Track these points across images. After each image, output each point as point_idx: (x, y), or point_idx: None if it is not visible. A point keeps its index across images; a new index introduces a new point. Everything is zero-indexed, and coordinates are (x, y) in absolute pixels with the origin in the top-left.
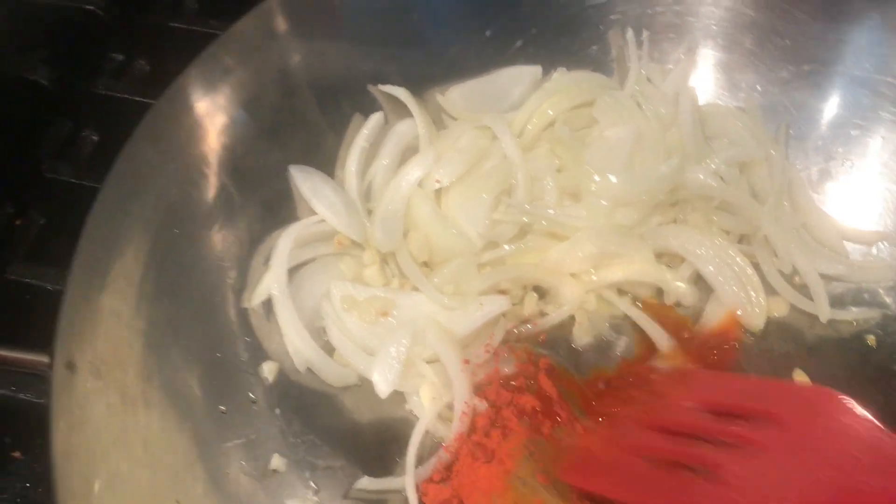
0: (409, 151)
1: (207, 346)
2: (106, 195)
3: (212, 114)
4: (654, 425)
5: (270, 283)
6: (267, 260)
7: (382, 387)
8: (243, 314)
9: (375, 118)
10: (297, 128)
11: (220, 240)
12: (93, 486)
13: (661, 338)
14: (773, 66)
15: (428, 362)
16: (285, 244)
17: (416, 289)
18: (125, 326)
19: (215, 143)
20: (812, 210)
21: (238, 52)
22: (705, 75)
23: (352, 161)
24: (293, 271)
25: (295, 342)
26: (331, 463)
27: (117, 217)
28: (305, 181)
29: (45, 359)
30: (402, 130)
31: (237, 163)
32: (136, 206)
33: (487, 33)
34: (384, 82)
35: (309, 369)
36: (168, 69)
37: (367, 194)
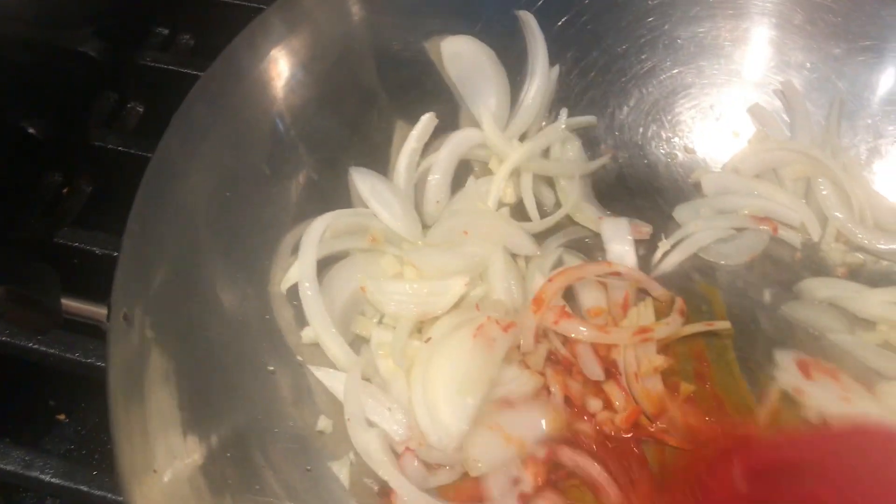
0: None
1: (256, 308)
2: (162, 154)
3: (266, 78)
4: None
5: (298, 272)
6: (295, 248)
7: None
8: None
9: (427, 119)
10: (353, 94)
11: (273, 205)
12: (150, 438)
13: None
14: (824, 43)
15: None
16: (315, 233)
17: None
18: (179, 283)
19: (270, 108)
20: (866, 191)
21: (292, 16)
22: (755, 53)
23: (402, 163)
24: (326, 263)
25: (322, 337)
26: None
27: (172, 177)
28: (364, 182)
29: (103, 310)
30: (458, 140)
31: (292, 128)
32: (189, 168)
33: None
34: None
35: None
36: (212, 43)
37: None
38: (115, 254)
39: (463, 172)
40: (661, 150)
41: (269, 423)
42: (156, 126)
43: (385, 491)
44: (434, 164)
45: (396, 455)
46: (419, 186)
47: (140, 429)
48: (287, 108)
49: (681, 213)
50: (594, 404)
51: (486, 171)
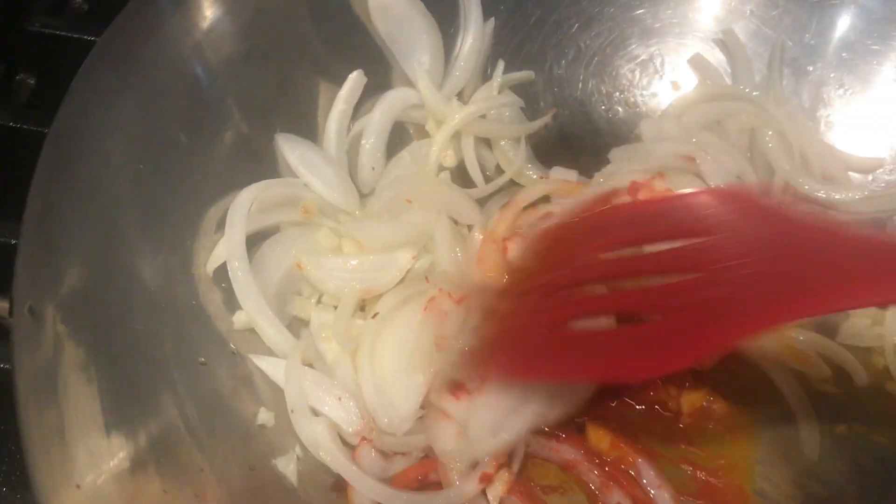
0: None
1: (184, 293)
2: (62, 125)
3: (178, 34)
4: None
5: (225, 250)
6: (220, 224)
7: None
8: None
9: (354, 78)
10: (277, 51)
11: (194, 176)
12: (69, 447)
13: None
14: None
15: None
16: (242, 206)
17: None
18: (93, 269)
19: (184, 67)
20: (812, 140)
21: None
22: (695, 1)
23: (332, 127)
24: (256, 240)
25: (257, 322)
26: None
27: (75, 151)
28: (293, 150)
29: (4, 303)
30: (391, 100)
31: (210, 89)
32: (95, 139)
33: None
34: None
35: None
36: (109, 5)
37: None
38: (14, 242)
39: (398, 136)
40: (603, 106)
41: (204, 420)
42: (50, 98)
43: (340, 485)
44: (366, 128)
45: (349, 446)
46: (352, 152)
47: (57, 436)
48: (204, 68)
49: (615, 155)
50: None
51: (423, 134)
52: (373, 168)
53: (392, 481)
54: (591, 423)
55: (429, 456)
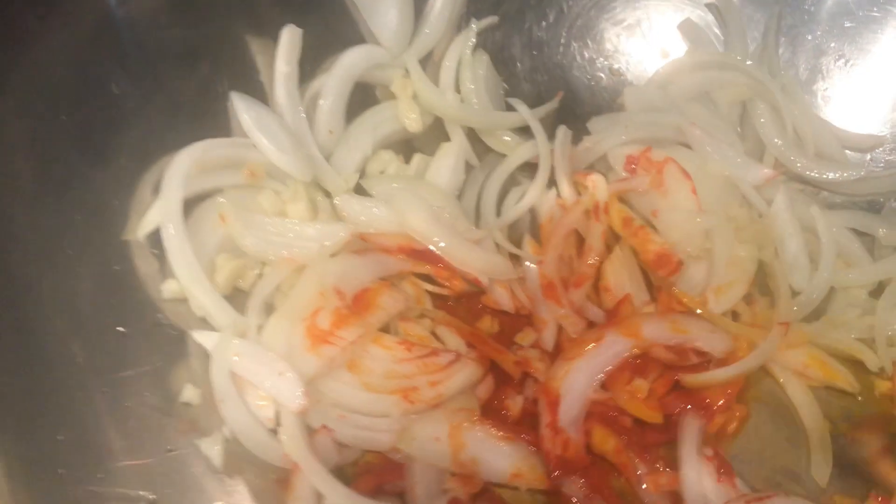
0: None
1: (103, 259)
2: None
3: None
4: None
5: (160, 214)
6: (156, 187)
7: None
8: None
9: (288, 35)
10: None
11: (126, 133)
12: None
13: None
14: None
15: None
16: (180, 168)
17: None
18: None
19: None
20: (807, 114)
21: None
22: None
23: (280, 91)
24: (193, 203)
25: (188, 286)
26: None
27: None
28: (249, 111)
29: None
30: (352, 59)
31: (146, 34)
32: (7, 86)
33: None
34: None
35: None
36: None
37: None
38: None
39: (361, 97)
40: (585, 73)
41: (118, 398)
42: None
43: (283, 479)
44: (324, 88)
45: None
46: (310, 113)
47: None
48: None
49: (596, 125)
50: None
51: (389, 95)
52: (330, 131)
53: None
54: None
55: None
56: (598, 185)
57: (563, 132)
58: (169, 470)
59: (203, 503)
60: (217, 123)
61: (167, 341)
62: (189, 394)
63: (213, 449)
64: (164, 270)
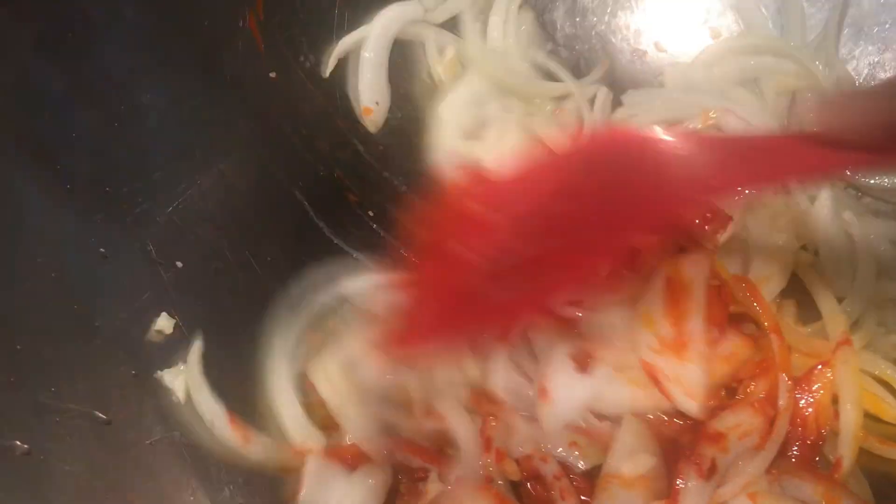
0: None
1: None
2: None
3: None
4: None
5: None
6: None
7: None
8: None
9: None
10: None
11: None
12: None
13: None
14: None
15: None
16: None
17: None
18: None
19: None
20: None
21: None
22: None
23: None
24: None
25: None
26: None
27: None
28: None
29: None
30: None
31: None
32: None
33: None
34: None
35: None
36: None
37: None
38: None
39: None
40: (628, 44)
41: (88, 318)
42: None
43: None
44: (366, 41)
45: None
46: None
47: None
48: None
49: (631, 98)
50: None
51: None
52: (377, 103)
53: None
54: None
55: None
56: None
57: (604, 94)
58: (129, 395)
59: (163, 432)
60: None
61: (149, 265)
62: (163, 322)
63: (175, 381)
64: None
